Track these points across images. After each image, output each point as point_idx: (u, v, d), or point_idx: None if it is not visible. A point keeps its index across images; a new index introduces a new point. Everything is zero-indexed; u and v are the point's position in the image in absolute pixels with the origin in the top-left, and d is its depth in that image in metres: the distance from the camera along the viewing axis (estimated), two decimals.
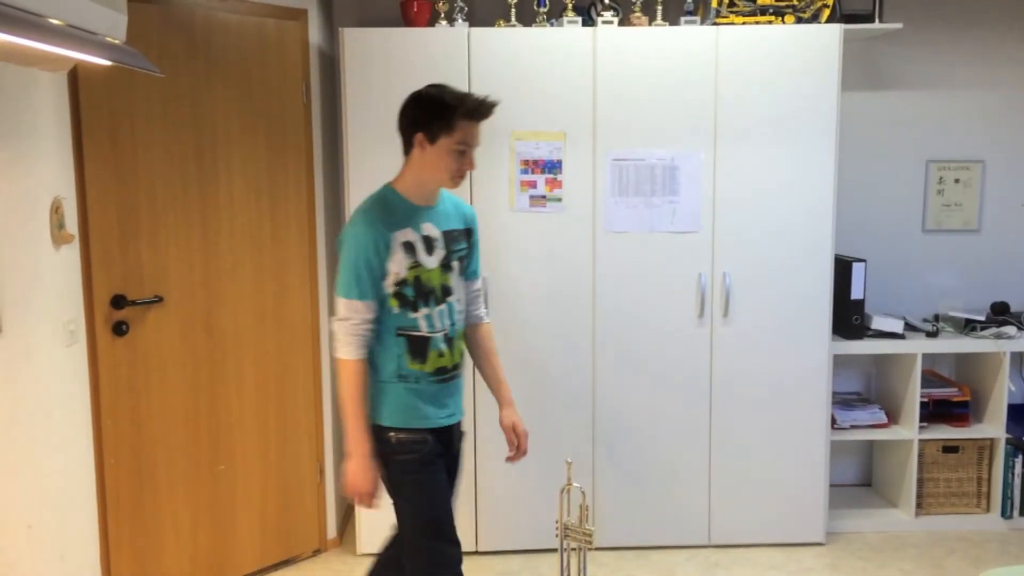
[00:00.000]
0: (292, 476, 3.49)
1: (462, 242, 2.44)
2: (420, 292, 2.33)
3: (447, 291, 2.38)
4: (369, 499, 2.34)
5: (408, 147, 2.35)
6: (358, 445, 2.31)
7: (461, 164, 2.31)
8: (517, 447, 2.59)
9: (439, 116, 2.26)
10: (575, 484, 2.90)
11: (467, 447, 3.57)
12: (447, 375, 2.40)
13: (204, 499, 3.25)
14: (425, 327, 2.35)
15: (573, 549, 2.87)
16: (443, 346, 2.38)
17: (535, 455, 3.56)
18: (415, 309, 2.33)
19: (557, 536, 2.86)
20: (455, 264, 2.40)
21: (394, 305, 2.32)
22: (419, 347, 2.35)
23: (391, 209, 2.33)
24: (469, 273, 2.53)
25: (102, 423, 2.97)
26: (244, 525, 3.37)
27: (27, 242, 2.46)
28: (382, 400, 2.36)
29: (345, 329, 2.29)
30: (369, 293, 2.29)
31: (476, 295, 2.57)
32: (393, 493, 2.40)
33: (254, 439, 3.36)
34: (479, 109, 2.28)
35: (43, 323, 2.55)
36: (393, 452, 2.36)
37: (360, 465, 2.31)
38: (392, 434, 2.35)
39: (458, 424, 2.51)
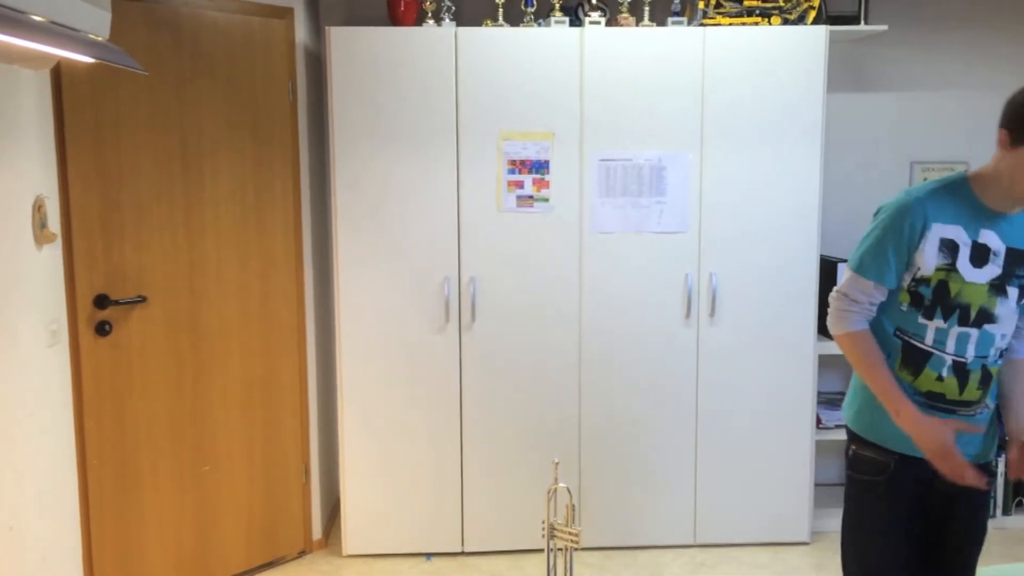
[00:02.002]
0: (277, 477, 3.48)
1: None
2: (941, 300, 1.95)
3: (986, 316, 1.95)
4: (953, 457, 1.93)
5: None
6: (900, 405, 1.95)
7: None
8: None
9: None
10: (562, 484, 2.90)
11: (449, 447, 3.56)
12: (944, 406, 2.01)
13: (188, 500, 3.23)
14: (931, 340, 1.98)
15: (560, 549, 2.87)
16: (947, 372, 1.98)
17: (522, 455, 3.56)
18: (929, 317, 1.97)
19: (543, 536, 2.86)
20: (1012, 290, 1.96)
21: (903, 301, 2.00)
22: (915, 358, 1.99)
23: (951, 198, 1.96)
24: None
25: (85, 424, 2.95)
26: (229, 526, 3.35)
27: (9, 241, 2.44)
28: (855, 398, 2.09)
29: (842, 304, 2.02)
30: (884, 276, 1.98)
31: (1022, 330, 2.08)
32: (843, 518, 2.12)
33: (239, 440, 3.34)
34: None
35: (25, 323, 2.52)
36: (848, 466, 2.06)
37: (915, 419, 1.93)
38: (853, 447, 2.07)
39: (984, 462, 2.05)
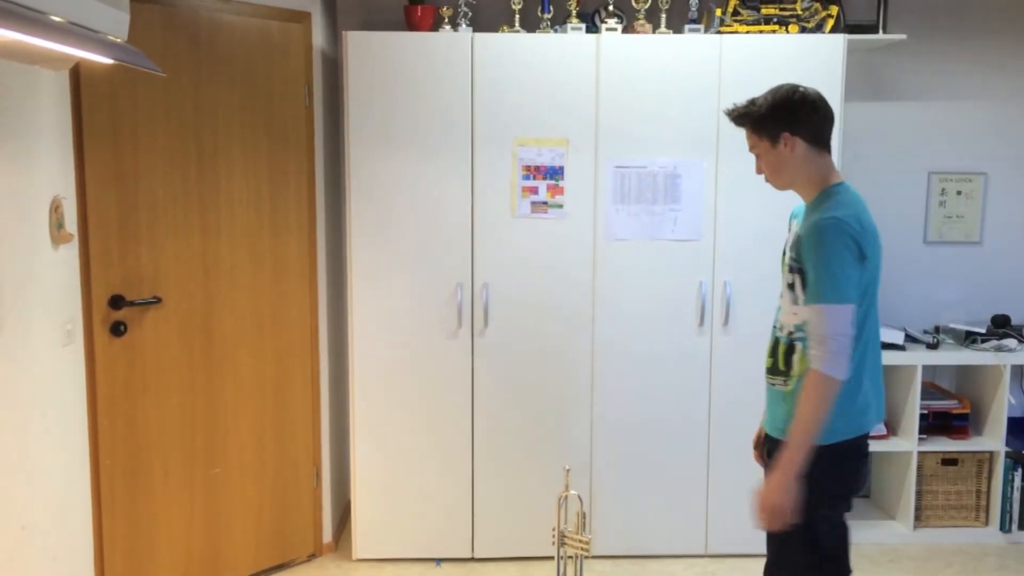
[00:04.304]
0: (288, 480, 3.48)
1: (792, 252, 2.23)
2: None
3: (784, 292, 2.29)
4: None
5: None
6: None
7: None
8: None
9: None
10: (573, 491, 2.89)
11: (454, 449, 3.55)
12: (767, 377, 2.33)
13: (199, 502, 3.23)
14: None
15: (570, 557, 2.85)
16: (770, 343, 2.32)
17: (533, 462, 3.55)
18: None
19: (554, 543, 2.84)
20: (784, 271, 2.29)
21: None
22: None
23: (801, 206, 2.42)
24: (804, 294, 2.20)
25: (98, 424, 2.96)
26: (239, 528, 3.35)
27: (26, 241, 2.45)
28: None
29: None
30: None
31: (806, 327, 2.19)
32: None
33: (250, 442, 3.35)
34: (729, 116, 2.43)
35: (40, 323, 2.53)
36: None
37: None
38: None
39: (774, 436, 2.30)
